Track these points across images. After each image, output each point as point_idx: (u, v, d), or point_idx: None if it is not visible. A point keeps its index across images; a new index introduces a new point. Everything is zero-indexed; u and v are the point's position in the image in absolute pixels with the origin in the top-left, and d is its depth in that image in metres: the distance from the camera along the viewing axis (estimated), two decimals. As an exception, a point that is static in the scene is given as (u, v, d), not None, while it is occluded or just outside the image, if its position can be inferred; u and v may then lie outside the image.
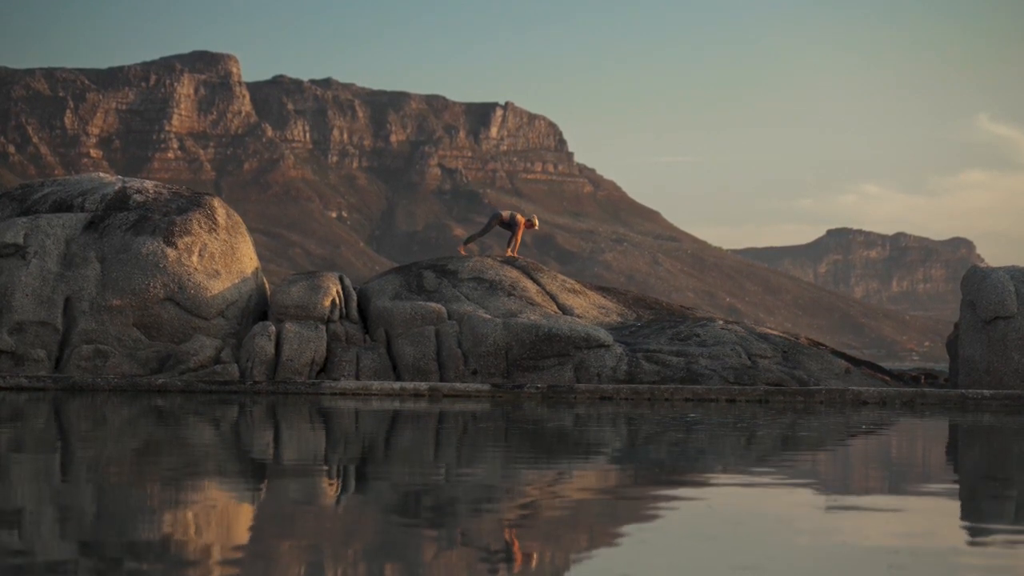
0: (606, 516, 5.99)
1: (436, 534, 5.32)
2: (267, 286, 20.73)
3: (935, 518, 6.08)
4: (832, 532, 5.53)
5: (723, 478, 7.68)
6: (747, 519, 5.87)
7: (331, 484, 7.24)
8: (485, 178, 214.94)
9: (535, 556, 4.86)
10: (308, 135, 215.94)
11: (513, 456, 9.11)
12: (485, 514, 5.93)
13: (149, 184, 20.95)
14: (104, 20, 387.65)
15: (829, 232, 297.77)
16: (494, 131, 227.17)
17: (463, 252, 22.32)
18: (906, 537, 5.41)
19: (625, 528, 5.58)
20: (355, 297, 20.17)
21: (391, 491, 6.77)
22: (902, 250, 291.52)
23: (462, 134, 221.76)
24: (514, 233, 22.09)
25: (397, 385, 18.22)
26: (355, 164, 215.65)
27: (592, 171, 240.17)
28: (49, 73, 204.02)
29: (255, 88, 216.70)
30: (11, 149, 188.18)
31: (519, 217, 22.09)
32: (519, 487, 7.06)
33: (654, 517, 5.95)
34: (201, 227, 19.72)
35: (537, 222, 22.31)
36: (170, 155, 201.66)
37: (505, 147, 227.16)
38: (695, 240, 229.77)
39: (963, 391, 18.25)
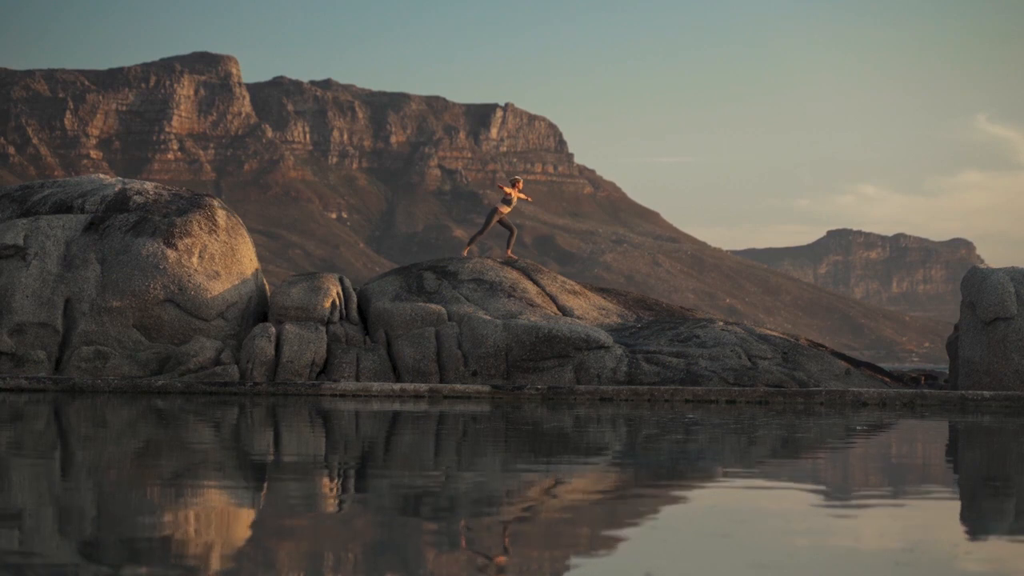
0: (618, 516, 5.99)
1: (443, 536, 5.31)
2: (267, 287, 20.73)
3: (939, 517, 6.09)
4: (840, 531, 5.55)
5: (726, 479, 7.68)
6: (757, 519, 5.88)
7: (331, 486, 7.23)
8: (485, 179, 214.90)
9: (556, 556, 4.85)
10: (308, 136, 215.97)
11: (516, 458, 9.11)
12: (496, 515, 5.92)
13: (149, 185, 20.94)
14: (104, 21, 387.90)
15: (829, 233, 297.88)
16: (494, 132, 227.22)
17: (466, 254, 22.32)
18: (913, 536, 5.42)
19: (640, 528, 5.58)
20: (355, 298, 20.17)
21: (392, 493, 6.76)
22: (902, 251, 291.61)
23: (462, 135, 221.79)
24: (506, 202, 21.80)
25: (397, 386, 18.21)
26: (355, 165, 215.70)
27: (592, 172, 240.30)
28: (49, 74, 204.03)
29: (255, 89, 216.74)
30: (11, 150, 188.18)
31: (512, 191, 21.82)
32: (526, 489, 7.06)
33: (665, 517, 5.96)
34: (201, 228, 19.72)
35: (519, 178, 22.31)
36: (170, 156, 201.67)
37: (505, 148, 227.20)
38: (695, 241, 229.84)
39: (963, 392, 18.24)
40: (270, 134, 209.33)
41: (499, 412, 14.62)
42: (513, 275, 20.99)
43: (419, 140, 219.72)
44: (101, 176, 21.67)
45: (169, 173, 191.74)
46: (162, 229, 19.51)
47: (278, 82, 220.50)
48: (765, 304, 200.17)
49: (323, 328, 19.25)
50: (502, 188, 21.97)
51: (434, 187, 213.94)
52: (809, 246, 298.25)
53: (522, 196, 22.04)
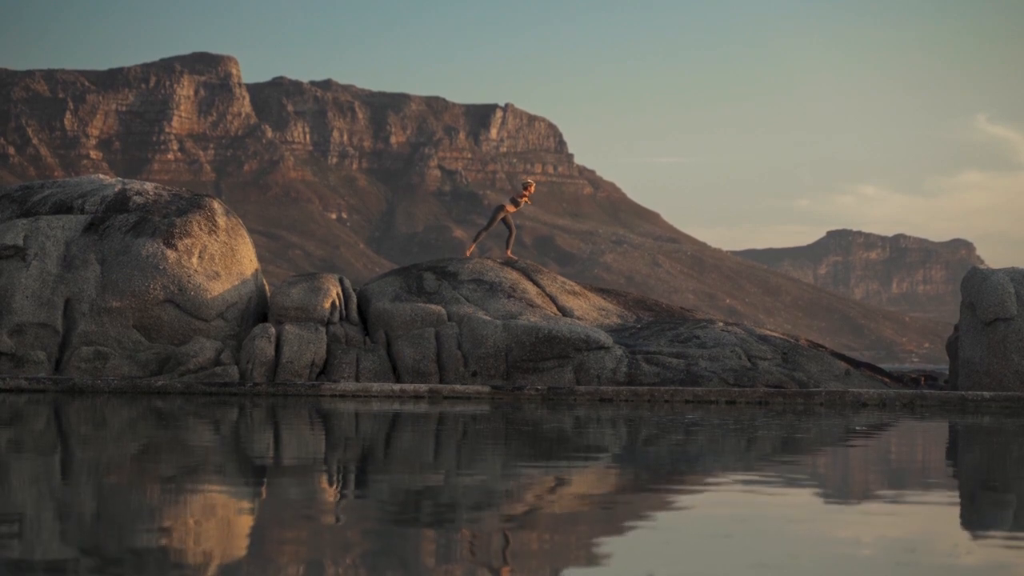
0: (619, 517, 5.99)
1: (443, 538, 5.31)
2: (267, 288, 20.73)
3: (940, 518, 6.09)
4: (841, 531, 5.55)
5: (727, 479, 7.68)
6: (758, 519, 5.89)
7: (330, 486, 7.23)
8: (485, 179, 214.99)
9: (557, 557, 4.85)
10: (308, 136, 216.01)
11: (517, 459, 9.11)
12: (496, 516, 5.92)
13: (149, 186, 20.94)
14: (104, 21, 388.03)
15: (829, 233, 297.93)
16: (494, 132, 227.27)
17: (468, 254, 22.31)
18: (913, 536, 5.42)
19: (641, 528, 5.58)
20: (355, 299, 20.17)
21: (392, 494, 6.76)
22: (902, 251, 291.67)
23: (462, 135, 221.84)
24: (514, 202, 21.83)
25: (397, 387, 18.21)
26: (355, 165, 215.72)
27: (592, 172, 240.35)
28: (49, 74, 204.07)
29: (255, 89, 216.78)
30: (11, 150, 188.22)
31: (525, 196, 21.86)
32: (526, 490, 7.06)
33: (666, 517, 5.96)
34: (201, 229, 19.72)
35: (532, 182, 22.17)
36: (170, 156, 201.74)
37: (505, 148, 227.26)
38: (695, 241, 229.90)
39: (963, 393, 18.25)
40: (270, 134, 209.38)
41: (499, 413, 14.62)
42: (513, 275, 20.99)
43: (419, 140, 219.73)
44: (101, 176, 21.67)
45: (169, 173, 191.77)
46: (162, 229, 19.51)
47: (278, 82, 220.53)
48: (765, 305, 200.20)
49: (323, 328, 19.25)
50: (523, 198, 21.84)
51: (434, 187, 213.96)
52: (809, 246, 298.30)
53: (527, 200, 22.03)
